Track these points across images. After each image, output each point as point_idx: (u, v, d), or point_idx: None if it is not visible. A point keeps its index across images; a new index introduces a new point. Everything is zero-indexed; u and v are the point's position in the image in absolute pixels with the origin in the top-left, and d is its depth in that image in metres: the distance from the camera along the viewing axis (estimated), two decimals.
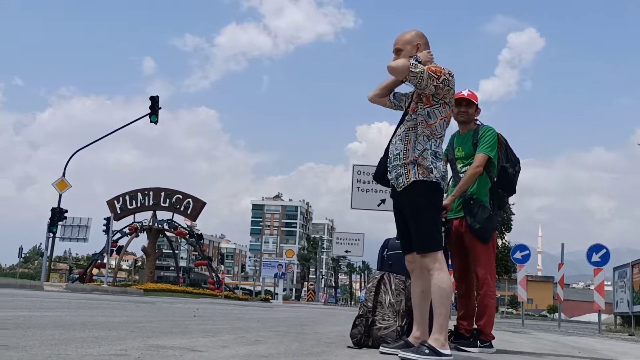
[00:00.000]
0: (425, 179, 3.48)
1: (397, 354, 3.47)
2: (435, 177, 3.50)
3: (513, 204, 37.95)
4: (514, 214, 37.88)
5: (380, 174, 3.77)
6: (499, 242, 37.24)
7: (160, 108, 26.79)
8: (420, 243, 3.52)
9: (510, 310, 77.76)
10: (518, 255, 17.42)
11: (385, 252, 4.40)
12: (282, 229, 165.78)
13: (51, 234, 25.56)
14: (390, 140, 3.71)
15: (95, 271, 38.67)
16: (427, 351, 3.34)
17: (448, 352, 3.39)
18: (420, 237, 3.51)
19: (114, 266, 40.25)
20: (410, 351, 3.40)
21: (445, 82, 3.54)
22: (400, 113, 3.79)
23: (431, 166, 3.50)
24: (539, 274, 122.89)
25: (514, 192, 5.03)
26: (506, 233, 37.69)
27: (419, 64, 3.49)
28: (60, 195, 25.37)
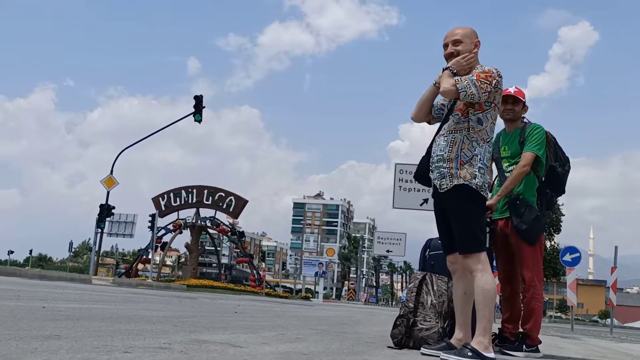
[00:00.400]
0: (467, 183, 3.44)
1: (438, 356, 3.44)
2: (477, 184, 3.45)
3: (562, 205, 37.22)
4: (564, 215, 37.12)
5: (422, 174, 3.73)
6: (548, 243, 36.51)
7: (204, 107, 27.14)
8: (463, 243, 3.47)
9: (558, 314, 76.14)
10: (568, 257, 17.03)
11: (427, 253, 4.36)
12: (323, 227, 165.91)
13: (99, 230, 26.15)
14: (434, 139, 3.67)
15: (140, 266, 39.47)
16: (469, 354, 3.29)
17: (492, 355, 3.34)
18: (463, 237, 3.47)
19: (158, 262, 40.98)
20: (453, 353, 3.36)
21: (497, 84, 3.50)
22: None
23: (476, 172, 3.45)
24: (590, 277, 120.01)
25: (563, 192, 4.91)
26: (555, 235, 36.94)
27: (466, 78, 3.43)
28: (108, 192, 25.93)
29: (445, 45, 3.64)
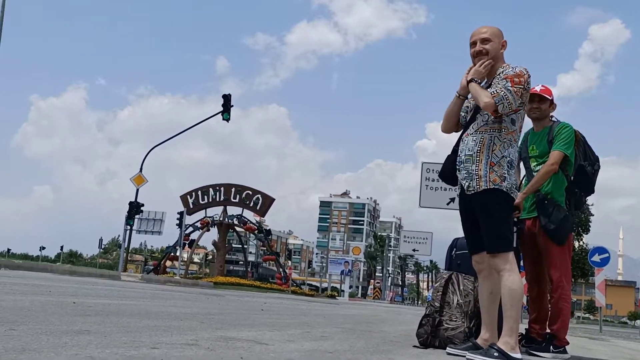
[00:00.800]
0: (496, 187, 3.40)
1: (464, 356, 3.42)
2: (506, 186, 3.42)
3: (592, 205, 36.63)
4: (593, 215, 36.54)
5: (447, 173, 3.69)
6: (576, 244, 36.01)
7: (232, 106, 27.30)
8: (491, 243, 3.45)
9: (587, 315, 75.00)
10: (596, 258, 16.78)
11: (453, 252, 4.34)
12: (349, 226, 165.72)
13: (128, 227, 26.47)
14: (460, 138, 3.63)
15: (168, 263, 39.77)
16: (496, 354, 3.27)
17: (518, 355, 3.32)
18: (491, 237, 3.44)
19: (186, 259, 41.34)
20: (479, 353, 3.35)
21: (527, 85, 3.48)
22: None
23: (505, 174, 3.42)
24: (620, 278, 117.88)
25: (592, 191, 4.84)
26: (584, 235, 36.40)
27: (501, 88, 3.38)
28: (137, 190, 26.22)
29: (473, 44, 3.60)
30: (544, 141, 4.67)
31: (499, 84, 3.42)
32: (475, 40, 3.59)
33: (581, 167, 4.66)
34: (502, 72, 3.49)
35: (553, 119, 4.81)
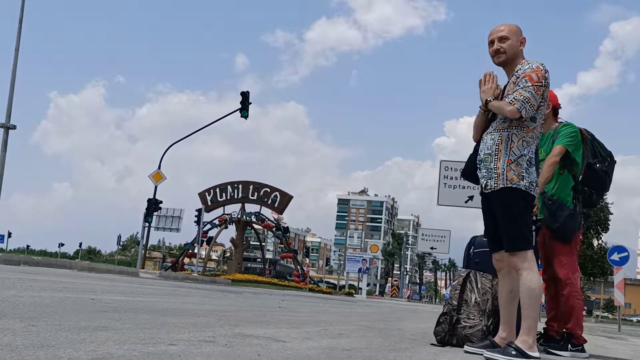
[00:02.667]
0: (514, 186, 3.38)
1: (482, 354, 3.40)
2: (524, 185, 3.39)
3: (612, 203, 36.21)
4: (612, 214, 36.06)
5: (469, 171, 3.68)
6: (595, 242, 35.64)
7: (251, 103, 27.38)
8: (510, 241, 3.43)
9: (605, 314, 74.23)
10: (615, 257, 16.58)
11: (471, 250, 4.32)
12: (367, 224, 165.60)
13: (147, 224, 26.64)
14: (481, 137, 3.61)
15: (186, 260, 40.03)
16: (513, 352, 3.25)
17: (536, 354, 3.29)
18: (510, 235, 3.42)
19: (204, 256, 41.52)
20: (497, 352, 3.33)
21: (547, 81, 3.44)
22: None
23: (524, 173, 3.39)
24: (639, 277, 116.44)
25: (605, 188, 4.79)
26: (603, 233, 35.98)
27: (521, 92, 3.35)
28: (155, 187, 26.40)
29: (491, 42, 3.58)
30: (549, 142, 4.67)
31: (518, 85, 3.40)
32: (493, 39, 3.57)
33: (589, 165, 4.63)
34: (521, 69, 3.46)
35: (560, 120, 4.80)
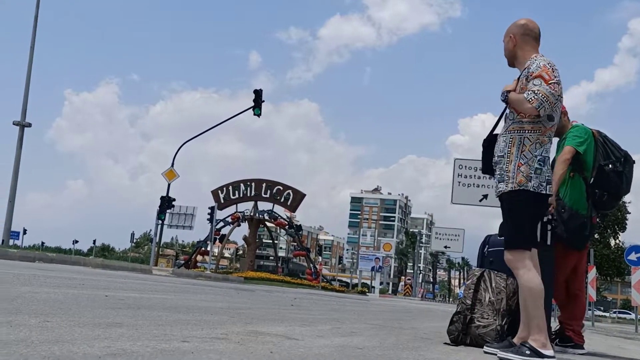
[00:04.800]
0: (521, 188, 3.36)
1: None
2: (533, 185, 3.35)
3: (629, 202, 35.91)
4: (630, 213, 35.77)
5: (487, 169, 3.67)
6: (612, 242, 35.38)
7: (264, 101, 27.41)
8: (508, 239, 3.46)
9: (622, 315, 73.57)
10: (633, 256, 16.40)
11: (486, 249, 4.30)
12: (380, 222, 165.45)
13: (160, 221, 26.77)
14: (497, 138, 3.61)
15: (199, 258, 40.16)
16: (528, 352, 3.25)
17: (550, 352, 3.27)
18: (509, 234, 3.45)
19: (216, 254, 41.69)
20: (510, 351, 3.32)
21: (559, 78, 3.40)
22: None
23: (532, 174, 3.36)
24: None
25: (618, 191, 4.71)
26: (620, 233, 35.70)
27: (538, 89, 3.31)
28: (168, 185, 26.50)
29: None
30: (561, 145, 4.66)
31: (534, 84, 3.35)
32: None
33: (600, 168, 4.57)
34: (530, 67, 3.42)
35: (573, 122, 4.80)
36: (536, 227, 3.54)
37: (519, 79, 3.53)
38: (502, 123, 3.61)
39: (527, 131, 3.41)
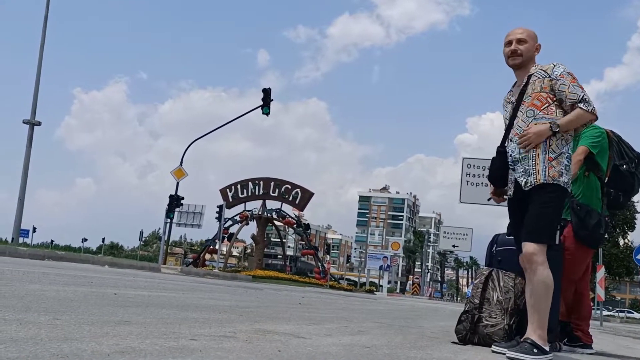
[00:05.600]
0: (554, 182, 3.38)
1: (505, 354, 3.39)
2: (564, 181, 3.41)
3: (638, 202, 35.70)
4: (638, 212, 35.54)
5: (497, 177, 3.65)
6: (621, 241, 35.21)
7: (272, 100, 27.42)
8: (535, 231, 3.38)
9: (631, 314, 73.17)
10: None
11: (494, 248, 4.28)
12: (388, 221, 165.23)
13: (169, 220, 26.85)
14: (508, 138, 3.58)
15: (207, 256, 40.27)
16: (535, 350, 3.26)
17: (547, 348, 3.33)
18: (537, 227, 3.38)
19: (225, 252, 41.75)
20: (515, 350, 3.32)
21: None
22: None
23: (563, 170, 3.41)
24: None
25: (632, 190, 4.71)
26: (629, 232, 35.52)
27: (573, 92, 3.40)
28: (177, 183, 26.55)
29: (508, 43, 3.63)
30: (574, 144, 4.63)
31: (572, 90, 3.41)
32: (511, 40, 3.63)
33: (615, 167, 4.56)
34: (549, 72, 3.49)
35: None
36: (559, 224, 3.55)
37: (527, 83, 3.54)
38: (517, 123, 3.55)
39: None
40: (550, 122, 3.41)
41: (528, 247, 3.39)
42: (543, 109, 3.46)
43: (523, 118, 3.51)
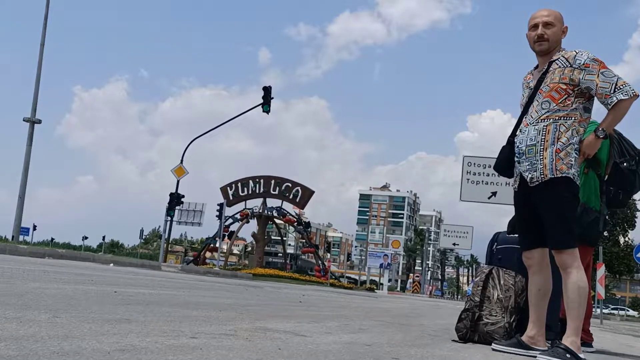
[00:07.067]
0: (564, 175, 3.25)
1: (509, 352, 3.38)
2: (573, 174, 3.26)
3: (639, 200, 35.70)
4: (639, 211, 35.56)
5: (504, 165, 3.53)
6: (622, 239, 35.21)
7: (273, 98, 27.42)
8: (559, 238, 3.27)
9: (631, 313, 73.19)
10: None
11: (494, 246, 4.28)
12: (389, 219, 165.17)
13: (169, 218, 26.85)
14: (519, 128, 3.45)
15: (208, 254, 40.29)
16: (568, 356, 3.12)
17: (582, 356, 3.20)
18: (559, 232, 3.27)
19: (225, 250, 41.76)
20: (547, 354, 3.19)
21: None
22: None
23: (572, 162, 3.27)
24: None
25: (633, 188, 4.69)
26: (629, 230, 35.53)
27: (620, 82, 3.26)
28: (178, 181, 26.54)
29: (534, 26, 3.43)
30: None
31: (603, 78, 3.26)
32: (537, 23, 3.43)
33: (615, 165, 4.53)
34: (573, 58, 3.32)
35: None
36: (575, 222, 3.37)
37: (547, 70, 3.39)
38: (531, 113, 3.41)
39: (562, 118, 3.30)
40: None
41: (559, 256, 3.28)
42: (560, 102, 3.30)
43: (537, 109, 3.36)
